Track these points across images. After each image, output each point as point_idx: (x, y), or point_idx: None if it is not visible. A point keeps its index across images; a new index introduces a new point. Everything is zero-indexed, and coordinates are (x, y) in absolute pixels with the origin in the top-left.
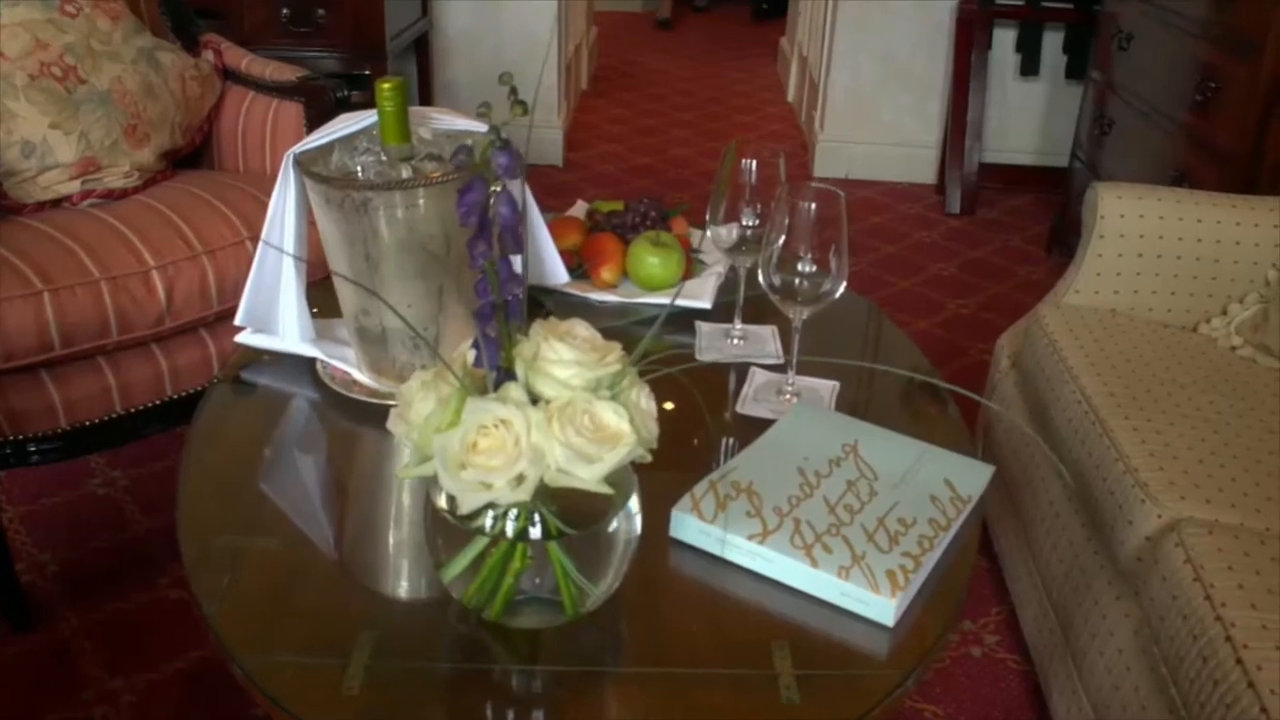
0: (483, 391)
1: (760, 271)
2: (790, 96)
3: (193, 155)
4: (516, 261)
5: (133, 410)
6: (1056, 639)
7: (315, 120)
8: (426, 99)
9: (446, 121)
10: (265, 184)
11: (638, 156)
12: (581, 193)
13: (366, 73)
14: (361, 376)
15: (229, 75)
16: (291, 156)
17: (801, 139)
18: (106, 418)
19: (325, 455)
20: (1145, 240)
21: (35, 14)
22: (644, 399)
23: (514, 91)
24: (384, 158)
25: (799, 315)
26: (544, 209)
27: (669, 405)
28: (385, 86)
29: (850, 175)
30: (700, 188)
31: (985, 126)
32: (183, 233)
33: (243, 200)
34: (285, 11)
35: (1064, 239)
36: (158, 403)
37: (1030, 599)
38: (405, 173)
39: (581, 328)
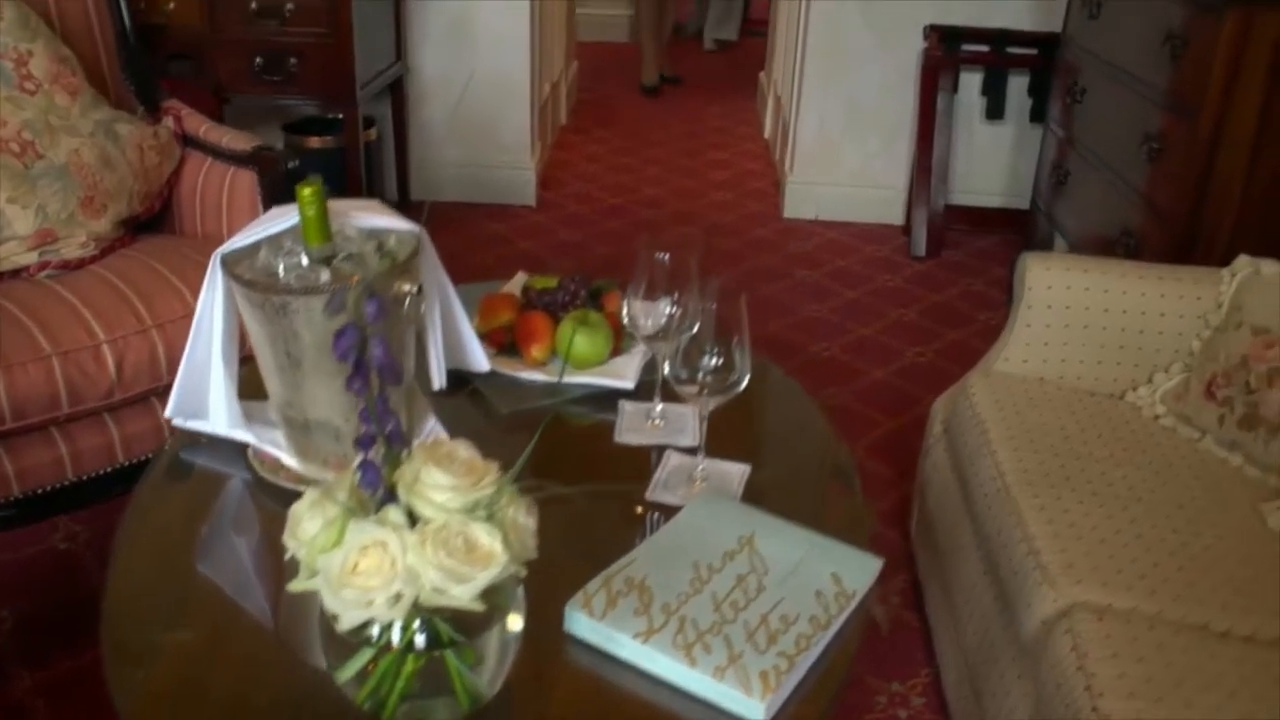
0: (369, 510)
1: (667, 364)
2: (766, 133)
3: (154, 217)
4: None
5: (85, 477)
6: (972, 707)
7: (268, 188)
8: (401, 140)
9: (369, 219)
10: None
11: (610, 196)
12: (553, 234)
13: (339, 116)
14: (289, 461)
15: (188, 141)
16: (219, 257)
17: (774, 177)
18: (59, 485)
19: (253, 542)
20: (1072, 310)
21: None
22: (522, 515)
23: (380, 246)
24: (305, 260)
25: (705, 405)
26: (503, 267)
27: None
28: (306, 192)
29: (819, 216)
30: (668, 231)
31: (952, 169)
32: (134, 307)
33: (195, 272)
34: (258, 60)
35: None
36: (110, 470)
37: (952, 664)
38: (325, 275)
39: (463, 449)
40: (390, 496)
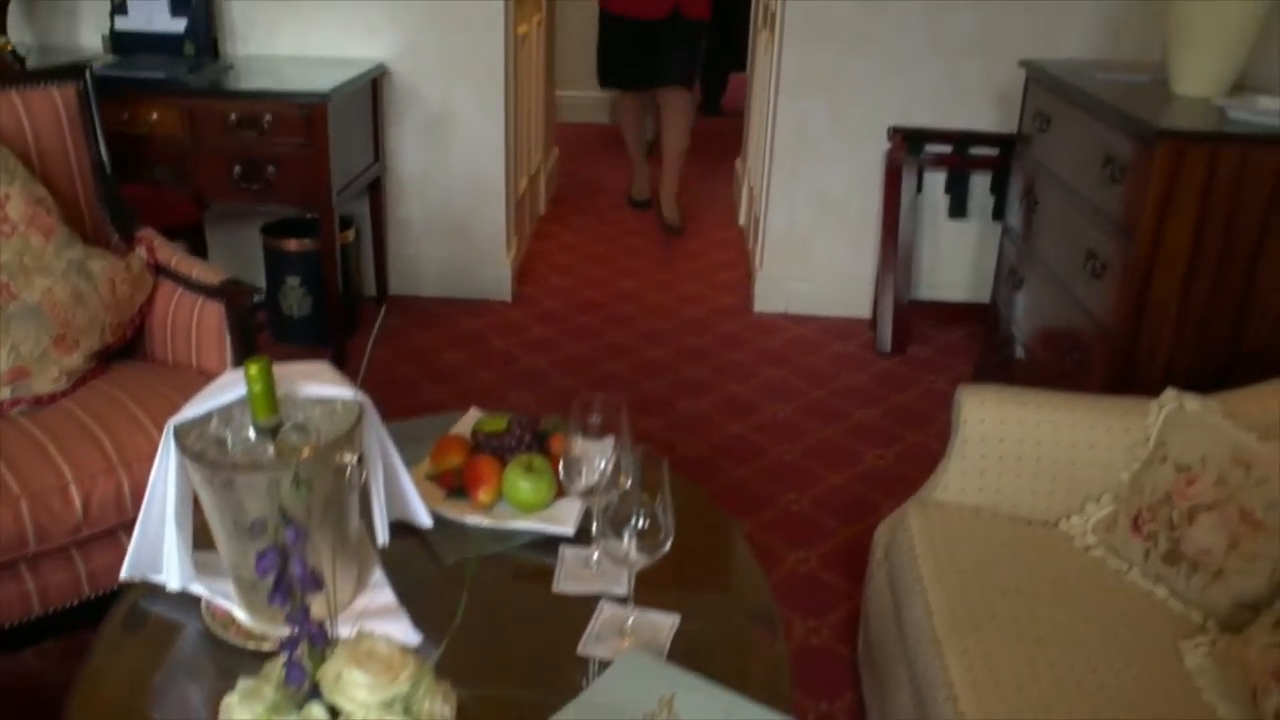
0: (295, 706)
1: (595, 524)
2: (741, 220)
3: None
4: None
5: (52, 610)
6: None
7: (235, 321)
8: (380, 239)
9: (315, 388)
10: (189, 382)
11: (586, 290)
12: (527, 330)
13: (315, 217)
14: (240, 615)
15: (160, 270)
16: (171, 427)
17: (747, 268)
18: (25, 620)
19: (203, 695)
20: (1006, 443)
21: None
22: (439, 705)
23: (296, 479)
24: (252, 433)
25: (634, 565)
26: (476, 365)
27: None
28: (253, 370)
29: (789, 310)
30: (640, 325)
31: (918, 264)
32: (101, 445)
33: (162, 407)
34: (237, 169)
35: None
36: (76, 603)
37: None
38: (270, 449)
39: (382, 644)
40: (315, 692)
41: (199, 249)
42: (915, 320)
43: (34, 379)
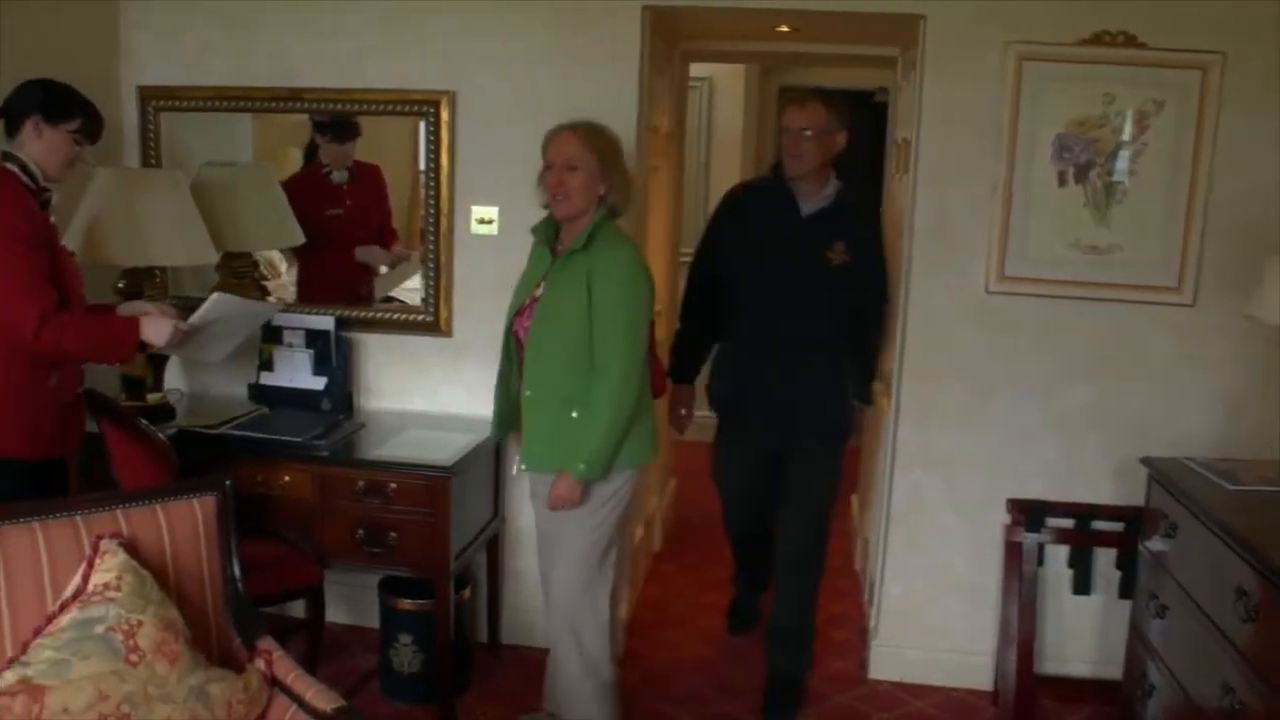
0: None
1: None
2: (856, 564)
3: None
4: None
5: None
6: None
7: None
8: (495, 586)
9: None
10: None
11: (696, 646)
12: (634, 695)
13: (429, 580)
14: None
15: (275, 682)
16: None
17: (860, 624)
18: None
19: None
20: None
21: (103, 666)
22: None
23: None
24: None
25: None
26: None
27: None
28: None
29: (905, 679)
30: (750, 693)
31: (1041, 637)
32: None
33: None
34: (360, 532)
35: None
36: None
37: None
38: None
39: None
40: None
41: (317, 608)
42: (1040, 697)
43: None
